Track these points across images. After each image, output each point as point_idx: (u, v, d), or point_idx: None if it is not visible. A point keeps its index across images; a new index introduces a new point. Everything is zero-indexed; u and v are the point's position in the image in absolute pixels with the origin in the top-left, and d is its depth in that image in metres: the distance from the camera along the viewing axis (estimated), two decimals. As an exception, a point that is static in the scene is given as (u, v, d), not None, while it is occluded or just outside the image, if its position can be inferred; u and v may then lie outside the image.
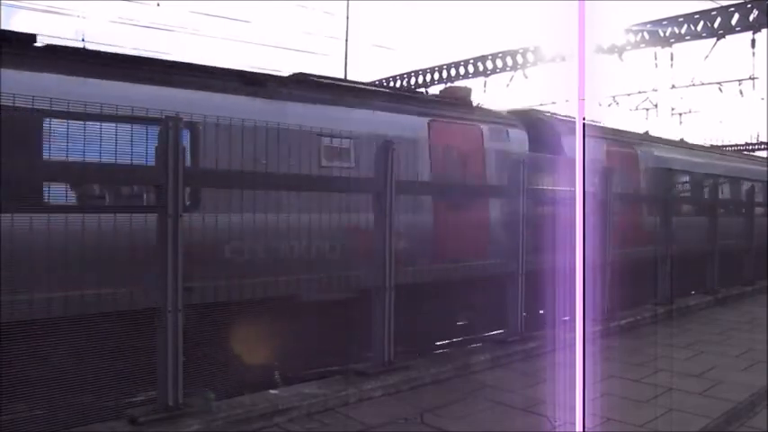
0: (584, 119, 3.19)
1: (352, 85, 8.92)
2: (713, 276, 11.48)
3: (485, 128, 8.96)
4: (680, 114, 28.48)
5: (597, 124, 12.61)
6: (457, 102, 9.58)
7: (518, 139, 9.44)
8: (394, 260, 5.91)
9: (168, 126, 4.46)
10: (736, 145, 35.30)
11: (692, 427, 4.85)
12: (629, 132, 13.55)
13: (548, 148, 9.66)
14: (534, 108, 11.86)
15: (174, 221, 4.46)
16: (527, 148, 9.45)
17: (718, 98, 25.50)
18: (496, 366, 6.50)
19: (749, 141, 36.70)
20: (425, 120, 8.17)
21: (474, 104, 10.06)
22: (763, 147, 34.49)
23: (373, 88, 9.52)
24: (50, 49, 5.89)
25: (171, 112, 4.90)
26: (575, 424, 3.24)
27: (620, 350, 7.30)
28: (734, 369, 6.61)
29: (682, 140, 17.05)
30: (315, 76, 8.00)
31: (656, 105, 24.94)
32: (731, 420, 5.09)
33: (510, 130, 9.41)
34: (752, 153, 31.03)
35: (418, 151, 7.83)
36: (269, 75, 7.57)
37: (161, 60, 6.85)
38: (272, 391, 5.24)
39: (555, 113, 12.01)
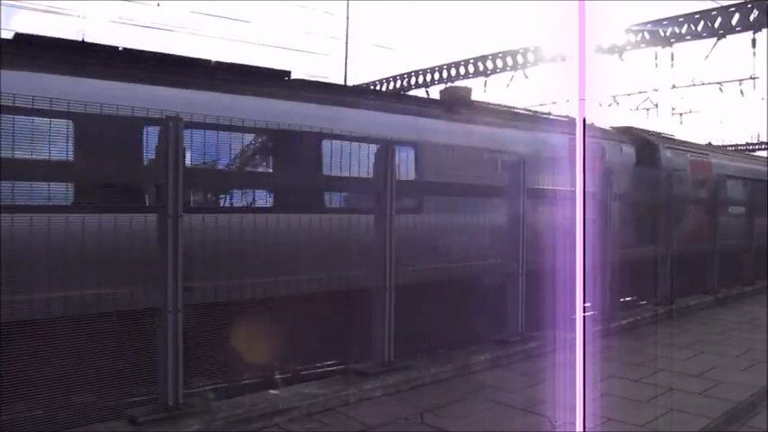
0: (584, 119, 3.18)
1: (523, 111, 11.32)
2: None
3: (606, 144, 11.10)
4: (680, 114, 28.49)
5: (673, 137, 14.72)
6: (590, 125, 11.61)
7: (630, 153, 11.63)
8: (394, 260, 5.91)
9: (168, 126, 4.46)
10: (737, 145, 35.28)
11: (692, 427, 4.85)
12: (698, 144, 16.10)
13: (648, 160, 11.92)
14: (633, 126, 13.98)
15: (174, 221, 4.46)
16: (635, 160, 11.53)
17: (719, 98, 25.45)
18: (497, 366, 6.49)
19: (750, 141, 36.70)
20: (567, 138, 10.04)
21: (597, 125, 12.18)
22: (763, 147, 34.48)
23: (532, 113, 11.66)
24: (300, 82, 7.25)
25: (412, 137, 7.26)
26: (575, 424, 3.24)
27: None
28: (734, 369, 6.61)
29: (736, 150, 18.21)
30: (493, 104, 10.54)
31: (656, 105, 24.95)
32: (731, 420, 5.09)
33: (623, 146, 11.63)
34: (752, 153, 31.03)
35: (563, 165, 9.56)
36: (457, 101, 9.66)
37: (388, 93, 9.73)
38: (272, 391, 5.24)
39: (649, 130, 14.08)
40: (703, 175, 13.06)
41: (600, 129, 12.02)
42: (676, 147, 13.58)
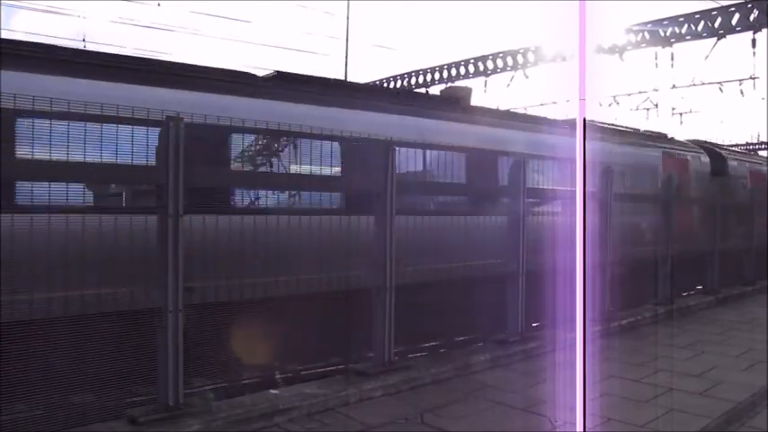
0: (584, 119, 3.18)
1: (616, 127, 12.96)
2: None
3: (690, 156, 13.66)
4: (680, 114, 28.54)
5: (729, 147, 17.80)
6: (681, 142, 14.43)
7: (707, 163, 14.07)
8: (394, 260, 5.91)
9: (169, 126, 4.45)
10: (737, 145, 35.31)
11: (692, 427, 4.85)
12: (747, 153, 19.76)
13: (719, 168, 14.35)
14: (702, 139, 16.70)
15: (175, 221, 4.45)
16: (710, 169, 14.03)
17: (719, 98, 25.51)
18: (497, 366, 6.49)
19: (750, 141, 36.71)
20: (659, 152, 12.65)
21: (677, 139, 14.73)
22: (763, 147, 34.50)
23: (623, 129, 13.38)
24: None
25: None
26: (575, 424, 3.24)
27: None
28: (734, 369, 6.61)
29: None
30: (600, 122, 12.34)
31: (656, 105, 25.01)
32: (731, 420, 5.09)
33: (701, 156, 14.08)
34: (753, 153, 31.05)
35: (656, 176, 11.83)
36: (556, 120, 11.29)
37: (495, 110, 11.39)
38: (272, 391, 5.24)
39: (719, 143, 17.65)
40: (759, 182, 15.69)
41: (682, 142, 14.52)
42: (737, 158, 16.38)
